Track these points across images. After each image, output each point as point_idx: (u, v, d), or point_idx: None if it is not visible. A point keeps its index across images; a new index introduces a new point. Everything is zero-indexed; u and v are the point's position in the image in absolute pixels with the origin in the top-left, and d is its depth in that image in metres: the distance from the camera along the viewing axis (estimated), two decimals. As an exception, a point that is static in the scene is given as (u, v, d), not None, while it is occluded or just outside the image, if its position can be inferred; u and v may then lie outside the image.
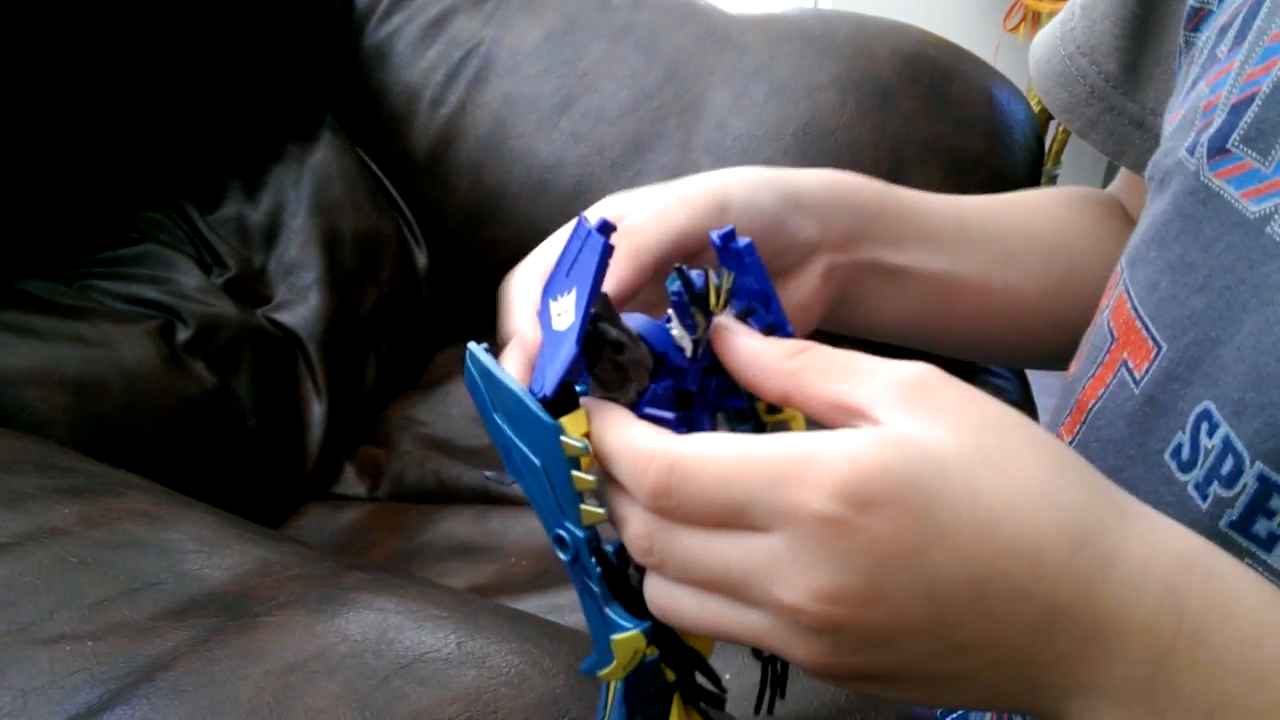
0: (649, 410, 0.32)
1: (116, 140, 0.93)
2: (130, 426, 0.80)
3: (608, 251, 0.29)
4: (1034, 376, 1.20)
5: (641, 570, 0.33)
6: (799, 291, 0.47)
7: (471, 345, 0.32)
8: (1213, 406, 0.37)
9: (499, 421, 0.32)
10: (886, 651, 0.29)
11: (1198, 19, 0.46)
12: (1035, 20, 2.39)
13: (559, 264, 0.31)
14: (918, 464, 0.27)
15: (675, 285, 0.32)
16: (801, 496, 0.27)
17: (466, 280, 1.15)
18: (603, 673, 0.34)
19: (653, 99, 1.07)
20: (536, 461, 0.31)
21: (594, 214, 0.43)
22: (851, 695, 0.65)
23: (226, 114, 1.03)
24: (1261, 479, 0.35)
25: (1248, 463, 0.35)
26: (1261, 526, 0.35)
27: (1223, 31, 0.43)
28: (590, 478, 0.31)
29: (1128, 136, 0.55)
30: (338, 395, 1.01)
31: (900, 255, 0.49)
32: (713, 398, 0.34)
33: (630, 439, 0.30)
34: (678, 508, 0.29)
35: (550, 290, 0.31)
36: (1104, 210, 0.59)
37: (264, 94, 1.07)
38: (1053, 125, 2.43)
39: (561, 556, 0.33)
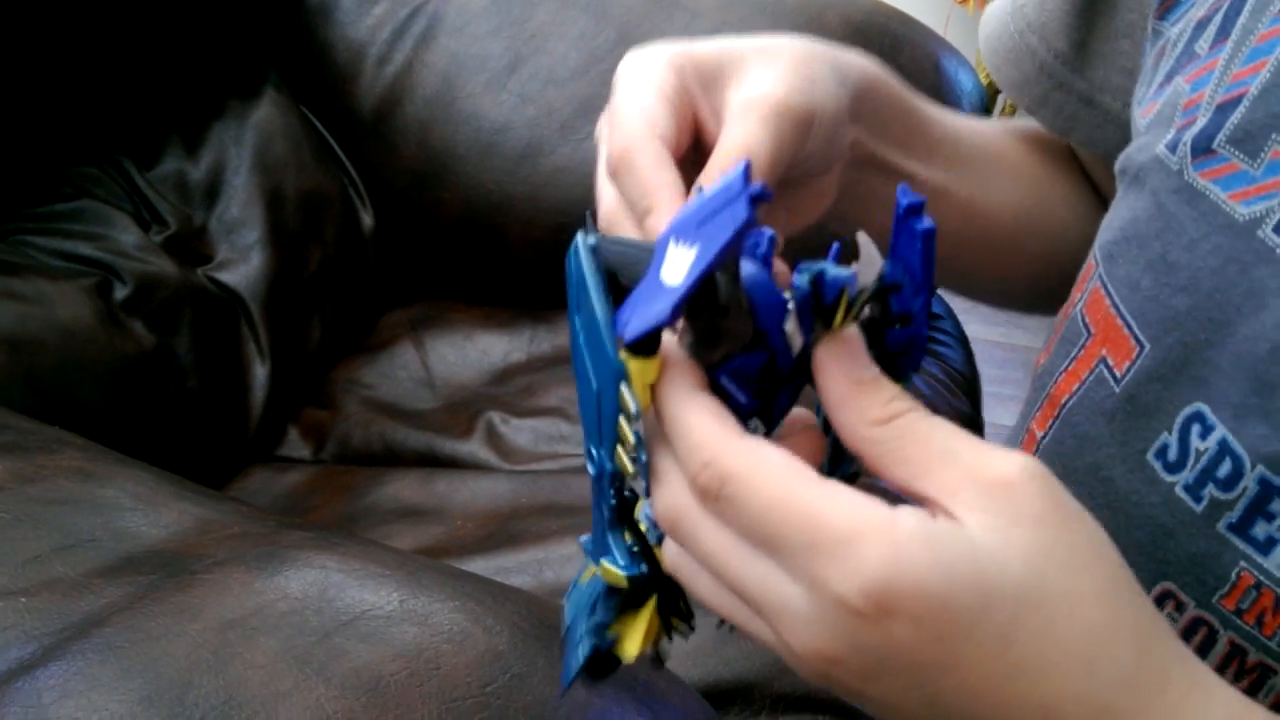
0: (725, 381, 0.31)
1: (52, 93, 0.90)
2: (66, 385, 0.78)
3: (748, 225, 0.27)
4: (977, 347, 1.22)
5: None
6: (820, 181, 0.44)
7: (579, 238, 0.30)
8: (1206, 409, 0.37)
9: (577, 322, 0.31)
10: (878, 708, 0.29)
11: (1166, 6, 0.46)
12: (985, -7, 2.40)
13: (699, 207, 0.29)
14: (961, 589, 0.26)
15: (804, 283, 0.30)
16: (830, 575, 0.26)
17: (413, 241, 1.14)
18: (590, 568, 0.35)
19: (603, 62, 1.06)
20: (593, 384, 0.30)
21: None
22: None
23: (166, 68, 1.01)
24: (1263, 482, 0.35)
25: (1248, 466, 0.35)
26: (1260, 529, 0.36)
27: (1200, 26, 0.42)
28: (632, 437, 0.30)
29: (1076, 114, 0.55)
30: (281, 356, 1.00)
31: (908, 162, 0.48)
32: (803, 381, 0.32)
33: (694, 427, 0.29)
34: (719, 512, 0.28)
35: (677, 229, 0.29)
36: (1066, 153, 0.60)
37: (204, 48, 1.05)
38: (1001, 98, 2.45)
39: (589, 469, 0.33)
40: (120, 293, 0.87)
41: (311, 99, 1.14)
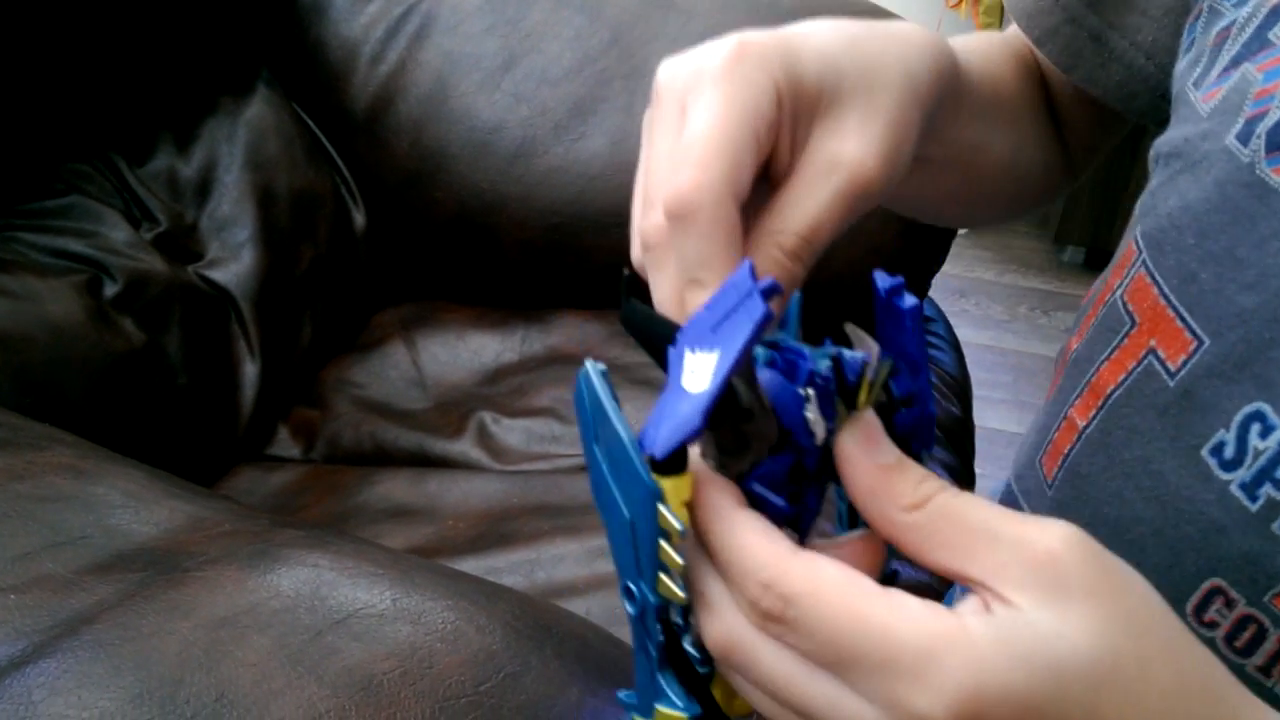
0: (757, 488, 0.30)
1: (44, 89, 0.90)
2: (55, 382, 0.78)
3: (765, 322, 0.26)
4: (971, 352, 1.22)
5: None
6: None
7: (588, 365, 0.29)
8: (1268, 409, 0.37)
9: (597, 452, 0.29)
10: None
11: None
12: (977, -2, 2.41)
13: (708, 310, 0.28)
14: (1041, 683, 0.25)
15: (825, 367, 0.29)
16: (910, 696, 0.25)
17: (405, 241, 1.14)
18: None
19: (597, 62, 1.06)
20: (625, 513, 0.29)
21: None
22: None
23: (158, 64, 1.00)
24: None
25: None
26: None
27: (1276, 13, 0.41)
28: (679, 559, 0.28)
29: (1082, 50, 0.54)
30: (271, 355, 1.00)
31: (938, 149, 0.45)
32: (829, 476, 0.32)
33: (747, 547, 0.28)
34: (781, 635, 0.27)
35: (690, 337, 0.29)
36: (1029, 70, 0.58)
37: (197, 45, 1.04)
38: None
39: (628, 609, 0.31)
40: (110, 290, 0.87)
41: (304, 97, 1.14)
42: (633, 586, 0.30)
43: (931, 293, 1.23)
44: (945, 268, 1.18)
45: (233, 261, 0.99)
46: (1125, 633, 0.26)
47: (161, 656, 0.38)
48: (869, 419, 0.29)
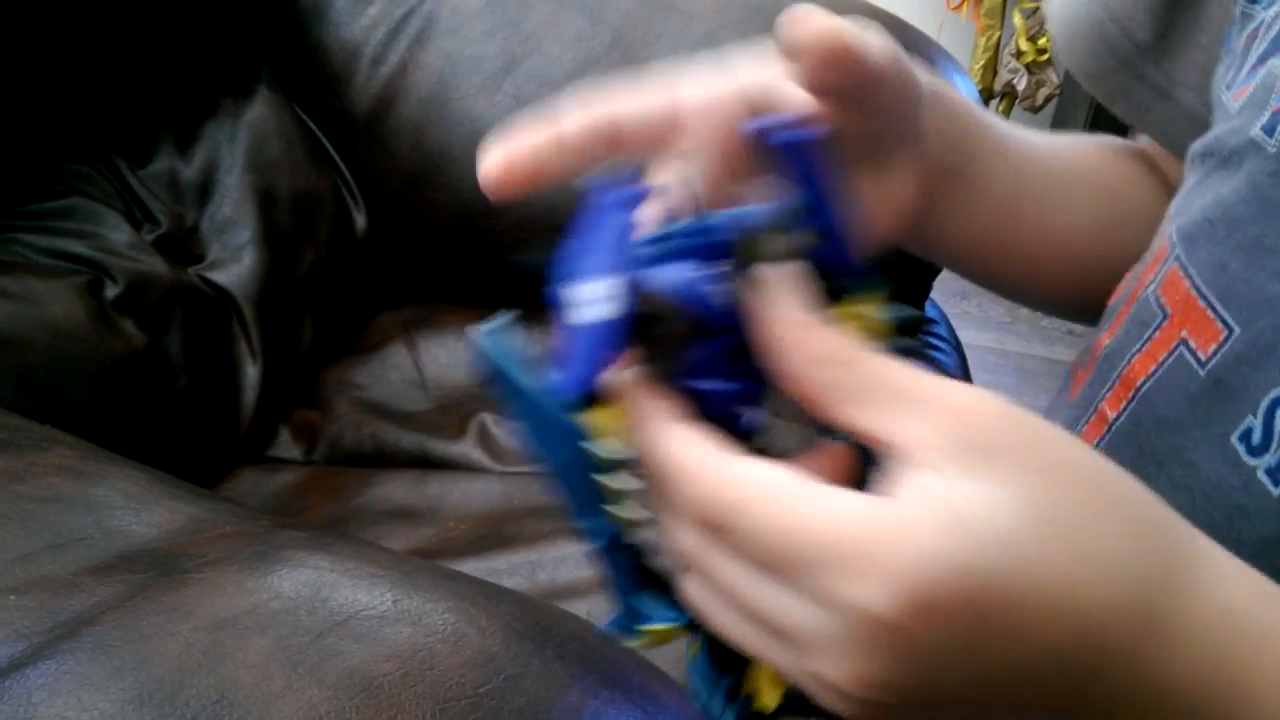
0: (697, 382, 0.29)
1: (44, 91, 0.90)
2: (56, 384, 0.77)
3: (629, 231, 0.26)
4: (973, 354, 1.22)
5: None
6: (894, 173, 0.42)
7: (479, 331, 0.28)
8: None
9: (515, 409, 0.29)
10: (928, 716, 0.27)
11: None
12: (978, 0, 2.41)
13: (581, 238, 0.28)
14: (989, 553, 0.24)
15: (720, 236, 0.28)
16: (857, 590, 0.25)
17: (406, 243, 1.14)
18: (632, 644, 0.32)
19: (598, 64, 1.06)
20: (555, 459, 0.29)
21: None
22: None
23: (159, 66, 1.00)
24: None
25: None
26: None
27: None
28: (616, 485, 0.28)
29: (1150, 105, 0.54)
30: (273, 357, 1.00)
31: (977, 167, 0.46)
32: None
33: (680, 461, 0.27)
34: (730, 547, 0.27)
35: (568, 269, 0.28)
36: (1145, 162, 0.58)
37: (197, 46, 1.04)
38: (993, 104, 2.46)
39: (589, 547, 0.30)
40: (111, 291, 0.87)
41: (305, 99, 1.14)
42: (587, 524, 0.30)
43: (933, 295, 1.23)
44: (946, 270, 1.18)
45: (234, 263, 0.99)
46: (1056, 482, 0.26)
47: (162, 658, 0.38)
48: (777, 274, 0.28)
